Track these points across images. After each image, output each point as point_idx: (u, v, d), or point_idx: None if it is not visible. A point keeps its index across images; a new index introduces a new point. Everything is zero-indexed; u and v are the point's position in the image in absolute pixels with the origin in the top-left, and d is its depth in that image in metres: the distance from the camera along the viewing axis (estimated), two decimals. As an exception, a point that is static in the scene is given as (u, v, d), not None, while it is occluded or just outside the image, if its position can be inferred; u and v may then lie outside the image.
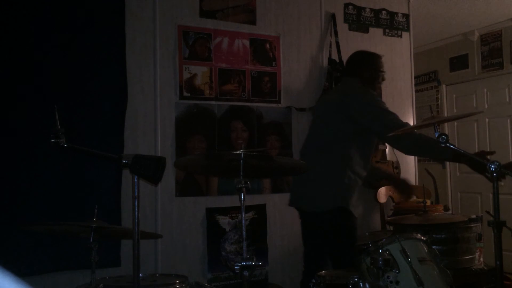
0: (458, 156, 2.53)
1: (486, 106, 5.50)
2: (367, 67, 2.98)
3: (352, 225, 2.76)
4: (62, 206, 2.80)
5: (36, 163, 2.76)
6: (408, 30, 4.22)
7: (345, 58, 3.77)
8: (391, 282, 1.95)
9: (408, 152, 3.12)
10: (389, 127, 2.58)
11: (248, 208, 3.39)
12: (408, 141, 2.62)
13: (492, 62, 5.36)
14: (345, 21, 3.92)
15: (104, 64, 3.01)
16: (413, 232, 2.26)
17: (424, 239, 2.21)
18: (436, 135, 1.99)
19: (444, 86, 5.97)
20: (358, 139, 2.76)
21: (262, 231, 3.47)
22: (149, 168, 1.70)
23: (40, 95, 2.79)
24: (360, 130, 2.73)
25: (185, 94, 3.27)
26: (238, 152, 1.95)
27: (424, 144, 2.62)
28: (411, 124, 2.80)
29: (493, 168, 1.88)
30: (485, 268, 3.26)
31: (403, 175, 4.04)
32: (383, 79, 3.05)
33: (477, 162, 2.32)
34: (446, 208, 3.75)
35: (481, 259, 3.31)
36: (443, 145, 1.97)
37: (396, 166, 3.97)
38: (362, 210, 2.90)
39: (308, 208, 2.83)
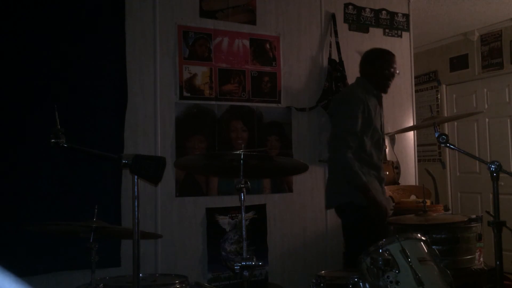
0: (362, 189, 2.73)
1: (486, 106, 5.50)
2: (372, 65, 3.02)
3: (361, 220, 2.78)
4: (62, 206, 2.79)
5: (36, 163, 2.76)
6: (408, 30, 4.22)
7: (345, 58, 3.79)
8: (391, 282, 1.95)
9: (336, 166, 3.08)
10: (333, 145, 2.83)
11: (248, 208, 3.39)
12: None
13: (492, 62, 5.36)
14: (345, 21, 3.92)
15: (104, 64, 3.01)
16: (413, 232, 2.26)
17: (424, 239, 2.21)
18: (436, 135, 1.99)
19: (444, 86, 5.97)
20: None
21: (262, 231, 3.47)
22: (149, 168, 1.71)
23: (40, 95, 2.79)
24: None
25: (185, 94, 3.27)
26: (238, 152, 1.95)
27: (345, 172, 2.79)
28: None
29: (493, 168, 1.88)
30: (485, 268, 3.25)
31: (403, 175, 4.04)
32: (392, 76, 3.04)
33: (374, 202, 2.70)
34: (446, 208, 3.75)
35: (481, 259, 3.30)
36: (443, 145, 1.97)
37: (396, 166, 3.97)
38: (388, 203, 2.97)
39: (326, 205, 3.19)
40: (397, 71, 3.09)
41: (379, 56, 3.06)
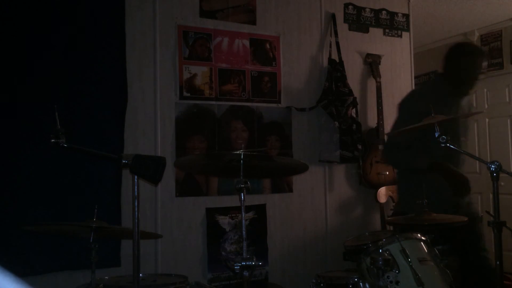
0: (434, 166, 2.67)
1: (486, 106, 5.50)
2: (452, 64, 2.71)
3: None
4: (62, 206, 2.79)
5: (36, 163, 2.76)
6: (408, 30, 4.22)
7: (345, 58, 3.79)
8: (391, 282, 1.95)
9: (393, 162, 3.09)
10: (386, 147, 2.90)
11: (248, 208, 3.39)
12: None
13: (492, 62, 5.36)
14: (345, 21, 3.92)
15: (104, 64, 3.01)
16: (413, 232, 2.26)
17: (424, 239, 2.21)
18: (436, 135, 1.99)
19: (444, 86, 5.96)
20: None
21: (262, 231, 3.46)
22: (149, 168, 1.71)
23: (40, 95, 2.79)
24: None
25: (185, 94, 3.27)
26: (238, 152, 1.95)
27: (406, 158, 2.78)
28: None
29: (493, 168, 1.88)
30: (485, 268, 3.25)
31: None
32: (475, 80, 2.69)
33: (452, 173, 2.63)
34: (446, 208, 3.74)
35: (481, 259, 3.30)
36: (443, 145, 1.97)
37: (396, 166, 3.96)
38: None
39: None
40: (483, 72, 2.78)
41: (461, 54, 2.69)
